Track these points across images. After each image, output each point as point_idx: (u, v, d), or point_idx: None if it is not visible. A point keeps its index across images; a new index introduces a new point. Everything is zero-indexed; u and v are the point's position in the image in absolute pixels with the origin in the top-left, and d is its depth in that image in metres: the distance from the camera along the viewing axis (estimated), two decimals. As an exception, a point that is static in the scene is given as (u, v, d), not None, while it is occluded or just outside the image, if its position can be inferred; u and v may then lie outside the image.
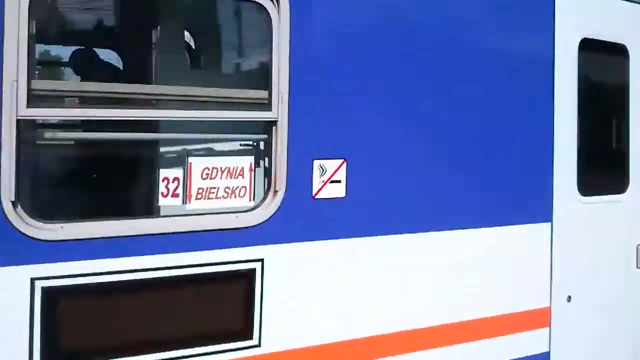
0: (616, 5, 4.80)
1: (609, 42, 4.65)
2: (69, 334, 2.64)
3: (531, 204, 4.17)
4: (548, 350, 4.28)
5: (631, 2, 4.90)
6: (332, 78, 3.32)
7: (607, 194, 4.71)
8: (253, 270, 3.08)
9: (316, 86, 3.26)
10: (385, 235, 3.51)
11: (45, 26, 3.59)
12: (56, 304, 2.59)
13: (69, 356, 2.67)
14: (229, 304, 3.06)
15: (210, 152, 3.41)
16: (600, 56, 4.76)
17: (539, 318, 4.23)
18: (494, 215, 3.95)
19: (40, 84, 2.75)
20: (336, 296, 3.35)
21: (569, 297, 4.40)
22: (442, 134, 3.71)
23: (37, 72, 3.09)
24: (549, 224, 4.24)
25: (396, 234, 3.54)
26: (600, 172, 4.84)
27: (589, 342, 4.55)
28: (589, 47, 4.47)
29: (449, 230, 3.74)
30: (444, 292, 3.73)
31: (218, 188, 3.07)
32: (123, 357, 2.71)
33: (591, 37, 4.52)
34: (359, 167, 3.40)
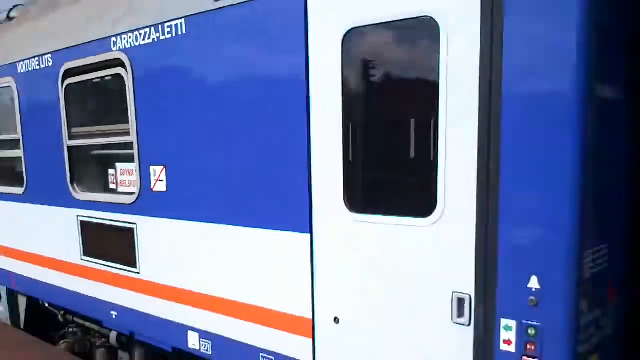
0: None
1: (401, 20, 3.26)
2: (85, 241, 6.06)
3: (288, 213, 4.00)
4: None
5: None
6: (157, 117, 5.01)
7: (394, 215, 3.40)
8: (133, 228, 5.41)
9: (149, 121, 5.07)
10: (188, 220, 4.88)
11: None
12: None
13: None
14: (125, 245, 5.52)
15: (124, 159, 5.69)
16: (376, 41, 3.37)
17: (301, 326, 4.06)
18: (257, 217, 4.24)
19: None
20: (166, 252, 5.17)
21: (337, 318, 3.84)
22: (219, 149, 4.51)
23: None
24: (308, 235, 3.89)
25: (195, 221, 4.82)
26: (387, 188, 3.43)
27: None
28: (362, 36, 3.54)
29: (229, 225, 4.51)
30: (225, 272, 4.62)
31: (126, 181, 5.54)
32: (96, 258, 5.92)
33: (364, 24, 3.49)
34: (173, 172, 4.94)
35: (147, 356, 5.99)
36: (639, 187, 3.57)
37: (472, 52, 3.05)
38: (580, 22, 2.73)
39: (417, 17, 3.28)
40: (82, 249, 6.16)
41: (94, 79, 5.65)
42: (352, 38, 3.59)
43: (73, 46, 5.74)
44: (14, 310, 8.15)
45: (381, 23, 3.44)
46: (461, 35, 3.10)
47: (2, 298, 8.31)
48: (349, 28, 3.58)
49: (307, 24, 3.76)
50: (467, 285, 3.24)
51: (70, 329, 7.18)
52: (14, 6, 7.75)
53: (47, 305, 7.39)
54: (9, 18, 7.71)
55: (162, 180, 5.05)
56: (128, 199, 5.45)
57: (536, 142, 2.90)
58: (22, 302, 7.95)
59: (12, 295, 8.08)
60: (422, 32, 3.30)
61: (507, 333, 3.12)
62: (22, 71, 6.64)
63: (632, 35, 3.33)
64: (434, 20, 3.21)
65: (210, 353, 4.85)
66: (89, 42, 5.52)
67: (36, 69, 6.37)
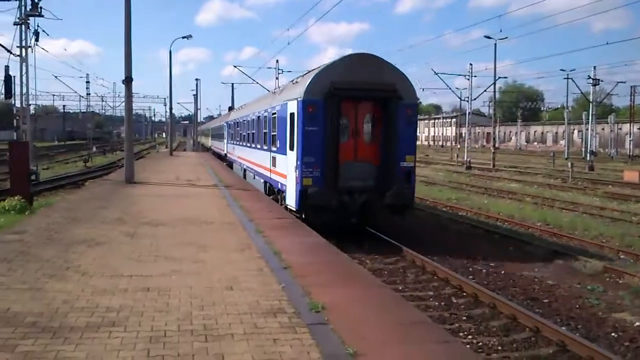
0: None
1: (291, 113, 11.03)
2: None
3: (282, 149, 15.73)
4: None
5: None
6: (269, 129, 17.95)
7: (280, 153, 10.46)
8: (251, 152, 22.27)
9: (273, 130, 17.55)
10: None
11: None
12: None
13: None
14: (247, 154, 24.37)
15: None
16: (288, 116, 16.74)
17: (284, 176, 15.66)
18: (275, 148, 17.32)
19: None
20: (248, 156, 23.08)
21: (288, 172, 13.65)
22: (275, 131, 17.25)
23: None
24: (285, 156, 15.25)
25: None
26: (283, 147, 12.82)
27: None
28: (291, 115, 15.37)
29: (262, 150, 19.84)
30: (259, 161, 20.39)
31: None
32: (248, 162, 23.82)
33: (291, 112, 16.14)
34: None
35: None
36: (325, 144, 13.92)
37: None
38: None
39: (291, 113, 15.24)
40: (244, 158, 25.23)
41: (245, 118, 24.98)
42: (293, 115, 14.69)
43: (243, 115, 27.20)
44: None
45: (292, 113, 14.83)
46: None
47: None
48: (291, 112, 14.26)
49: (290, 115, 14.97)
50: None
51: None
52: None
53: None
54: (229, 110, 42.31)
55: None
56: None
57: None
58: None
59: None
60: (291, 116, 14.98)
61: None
62: (230, 120, 33.57)
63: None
64: (293, 114, 14.62)
65: (256, 180, 21.58)
66: (248, 114, 24.47)
67: (235, 119, 30.54)
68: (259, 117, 20.75)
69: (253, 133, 22.57)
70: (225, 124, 37.69)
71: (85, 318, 5.72)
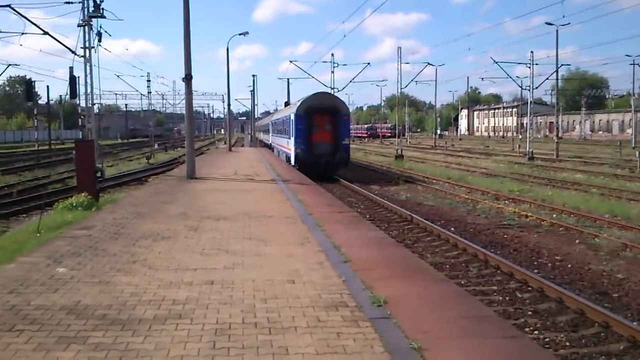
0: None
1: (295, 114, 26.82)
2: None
3: (288, 138, 32.12)
4: None
5: None
6: (289, 126, 32.12)
7: (283, 137, 34.96)
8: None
9: (292, 127, 31.08)
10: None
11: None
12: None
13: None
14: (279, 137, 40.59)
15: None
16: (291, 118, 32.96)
17: (290, 149, 31.34)
18: (288, 137, 32.58)
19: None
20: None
21: (298, 151, 29.13)
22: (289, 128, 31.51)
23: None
24: (292, 139, 30.02)
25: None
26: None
27: None
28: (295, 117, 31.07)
29: (283, 137, 36.11)
30: (281, 144, 37.78)
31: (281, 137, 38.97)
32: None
33: (297, 113, 30.67)
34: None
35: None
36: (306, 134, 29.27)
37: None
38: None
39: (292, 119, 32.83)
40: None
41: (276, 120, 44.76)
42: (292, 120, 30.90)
43: (276, 117, 46.65)
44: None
45: (292, 119, 30.72)
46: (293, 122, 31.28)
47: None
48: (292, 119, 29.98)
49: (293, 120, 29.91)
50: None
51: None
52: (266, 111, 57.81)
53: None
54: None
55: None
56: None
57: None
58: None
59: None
60: (291, 120, 31.06)
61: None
62: (271, 121, 51.06)
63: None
64: (292, 119, 30.86)
65: (280, 155, 38.37)
66: (277, 117, 45.13)
67: (271, 121, 49.74)
68: (281, 120, 39.20)
69: (278, 129, 40.92)
70: (270, 123, 53.73)
71: (152, 310, 5.86)
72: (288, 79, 67.12)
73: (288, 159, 31.92)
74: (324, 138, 29.05)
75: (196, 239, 9.63)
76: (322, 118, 29.40)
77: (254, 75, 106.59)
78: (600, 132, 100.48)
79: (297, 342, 5.03)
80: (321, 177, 26.42)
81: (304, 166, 28.02)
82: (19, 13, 20.06)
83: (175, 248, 8.93)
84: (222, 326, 5.42)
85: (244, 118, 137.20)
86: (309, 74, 54.60)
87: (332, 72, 49.40)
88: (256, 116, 78.46)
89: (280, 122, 40.05)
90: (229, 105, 56.51)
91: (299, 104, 30.86)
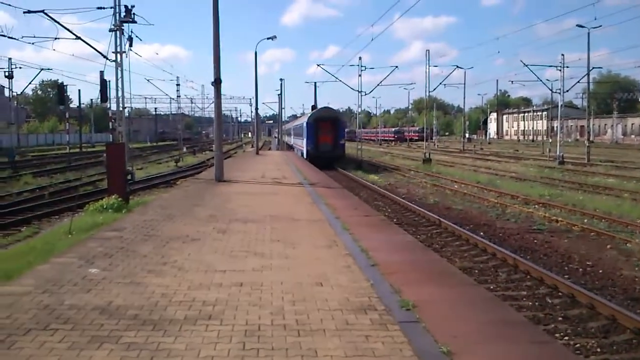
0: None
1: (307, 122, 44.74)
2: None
3: (302, 139, 46.45)
4: None
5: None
6: (301, 130, 46.61)
7: (298, 138, 51.90)
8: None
9: (302, 130, 46.49)
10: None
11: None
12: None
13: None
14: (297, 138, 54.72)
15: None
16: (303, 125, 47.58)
17: (303, 148, 45.67)
18: (303, 138, 45.22)
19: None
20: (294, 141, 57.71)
21: (309, 148, 42.89)
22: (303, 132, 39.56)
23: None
24: (305, 139, 44.40)
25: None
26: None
27: None
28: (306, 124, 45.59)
29: (300, 138, 48.75)
30: (301, 143, 48.28)
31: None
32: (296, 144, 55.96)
33: (308, 121, 45.09)
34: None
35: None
36: (314, 137, 42.38)
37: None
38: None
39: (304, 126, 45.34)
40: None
41: (295, 126, 61.16)
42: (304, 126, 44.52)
43: (294, 124, 64.60)
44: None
45: (304, 126, 44.84)
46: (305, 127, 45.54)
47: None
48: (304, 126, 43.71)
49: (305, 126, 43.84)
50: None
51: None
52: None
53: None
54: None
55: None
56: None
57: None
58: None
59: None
60: (304, 127, 45.47)
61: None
62: (292, 126, 67.03)
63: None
64: (304, 126, 45.08)
65: (297, 152, 51.92)
66: (295, 124, 62.41)
67: (292, 126, 66.74)
68: (298, 126, 52.68)
69: (296, 132, 54.30)
70: (291, 127, 66.90)
71: (183, 311, 5.94)
72: (315, 82, 67.82)
73: (302, 154, 45.97)
74: (326, 139, 41.60)
75: (225, 241, 9.72)
76: (325, 125, 42.04)
77: (281, 79, 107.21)
78: (633, 136, 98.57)
79: (325, 345, 5.05)
80: (325, 166, 35.47)
81: (313, 159, 39.47)
82: (52, 18, 20.46)
83: (205, 250, 9.02)
84: (252, 327, 5.46)
85: (271, 121, 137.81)
86: (336, 77, 54.60)
87: (360, 75, 49.38)
88: (283, 119, 78.94)
89: (298, 127, 54.48)
90: (256, 109, 56.83)
91: (309, 115, 46.31)
